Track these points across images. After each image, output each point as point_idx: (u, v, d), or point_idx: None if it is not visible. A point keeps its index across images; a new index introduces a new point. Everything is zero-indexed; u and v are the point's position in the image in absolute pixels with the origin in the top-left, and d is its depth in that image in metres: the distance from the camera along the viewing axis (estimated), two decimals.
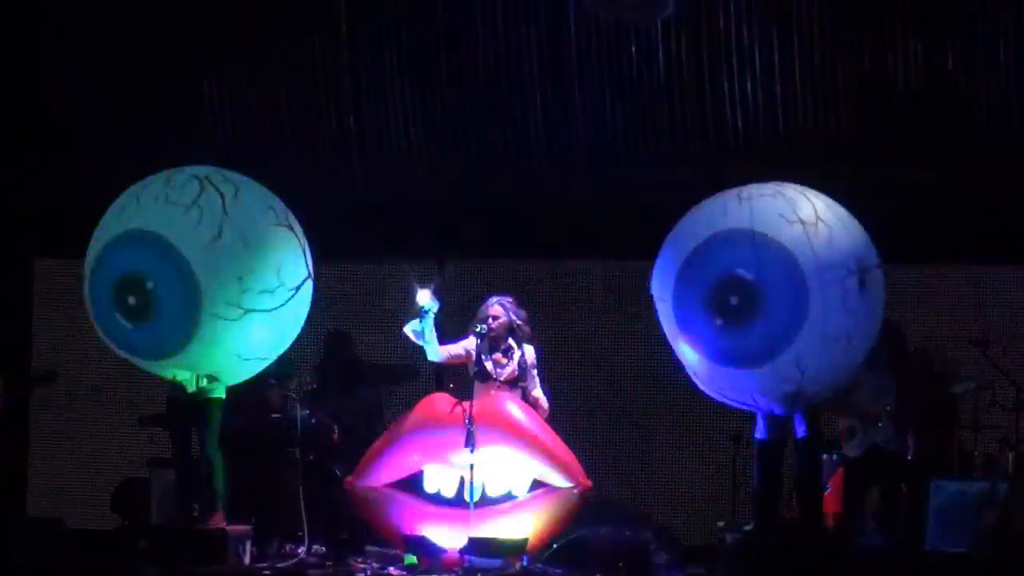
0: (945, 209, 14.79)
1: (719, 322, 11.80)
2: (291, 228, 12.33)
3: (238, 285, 12.05)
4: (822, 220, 11.91)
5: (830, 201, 12.07)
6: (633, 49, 14.80)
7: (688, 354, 12.15)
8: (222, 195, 12.24)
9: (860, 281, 11.87)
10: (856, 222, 12.06)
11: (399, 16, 14.99)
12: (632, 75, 14.93)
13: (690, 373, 12.22)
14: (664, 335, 12.41)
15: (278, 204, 12.38)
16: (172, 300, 11.98)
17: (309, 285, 12.33)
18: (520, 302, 13.12)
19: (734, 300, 11.74)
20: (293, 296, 12.38)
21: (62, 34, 15.20)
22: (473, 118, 15.17)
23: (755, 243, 11.86)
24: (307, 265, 12.39)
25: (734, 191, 12.25)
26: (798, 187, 12.20)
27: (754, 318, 11.70)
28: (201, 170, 12.56)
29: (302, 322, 12.49)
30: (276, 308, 12.26)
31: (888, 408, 12.83)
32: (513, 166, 15.17)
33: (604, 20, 14.54)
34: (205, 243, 12.05)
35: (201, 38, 15.07)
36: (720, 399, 12.28)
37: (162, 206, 12.22)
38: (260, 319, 12.22)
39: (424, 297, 12.79)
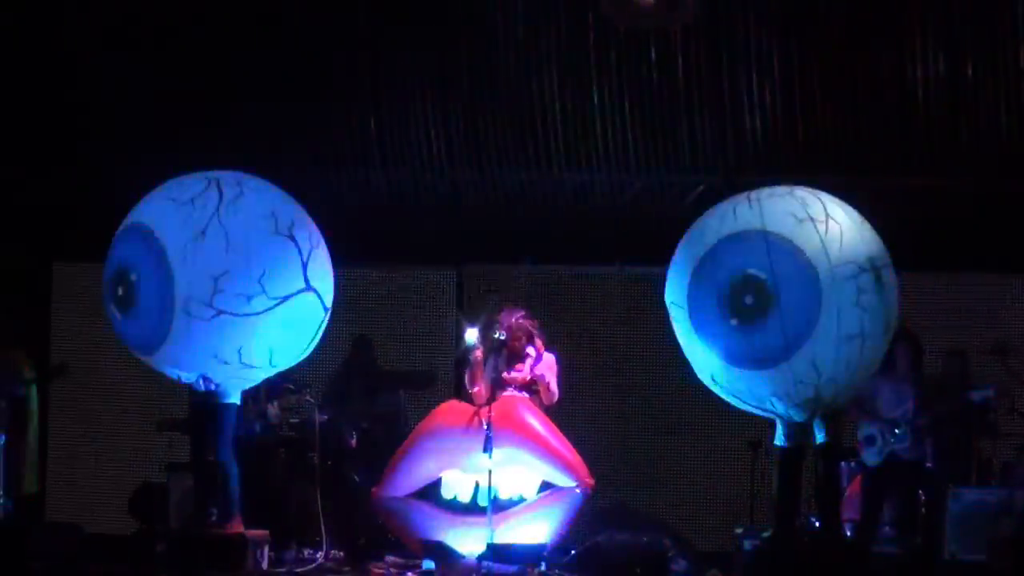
0: (964, 218, 14.77)
1: (734, 322, 11.73)
2: (292, 238, 12.18)
3: (212, 285, 11.99)
4: (832, 218, 11.88)
5: (840, 201, 12.03)
6: (652, 56, 14.76)
7: (704, 359, 12.08)
8: (221, 195, 12.18)
9: (876, 277, 11.76)
10: (867, 222, 12.01)
11: (420, 25, 14.96)
12: (652, 82, 14.88)
13: (708, 381, 12.16)
14: (679, 342, 12.35)
15: (287, 212, 12.26)
16: (149, 294, 12.01)
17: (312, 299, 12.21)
18: (532, 311, 13.18)
19: (748, 300, 11.67)
20: (279, 304, 12.26)
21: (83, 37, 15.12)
22: (493, 125, 15.11)
23: (768, 243, 11.82)
24: (305, 277, 12.24)
25: (743, 194, 12.24)
26: (808, 189, 12.21)
27: (769, 317, 11.63)
28: (224, 173, 12.48)
29: (305, 332, 12.38)
30: (253, 315, 12.13)
31: (908, 416, 12.76)
32: (533, 173, 15.16)
33: (622, 28, 14.46)
34: (186, 240, 12.03)
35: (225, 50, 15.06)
36: (739, 405, 12.18)
37: (164, 202, 12.24)
38: (233, 323, 12.11)
39: (472, 336, 12.82)
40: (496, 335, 12.87)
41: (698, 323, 11.99)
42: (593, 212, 15.31)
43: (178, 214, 12.18)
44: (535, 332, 12.95)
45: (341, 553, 12.99)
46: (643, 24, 14.30)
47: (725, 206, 12.24)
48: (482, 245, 15.13)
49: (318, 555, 12.87)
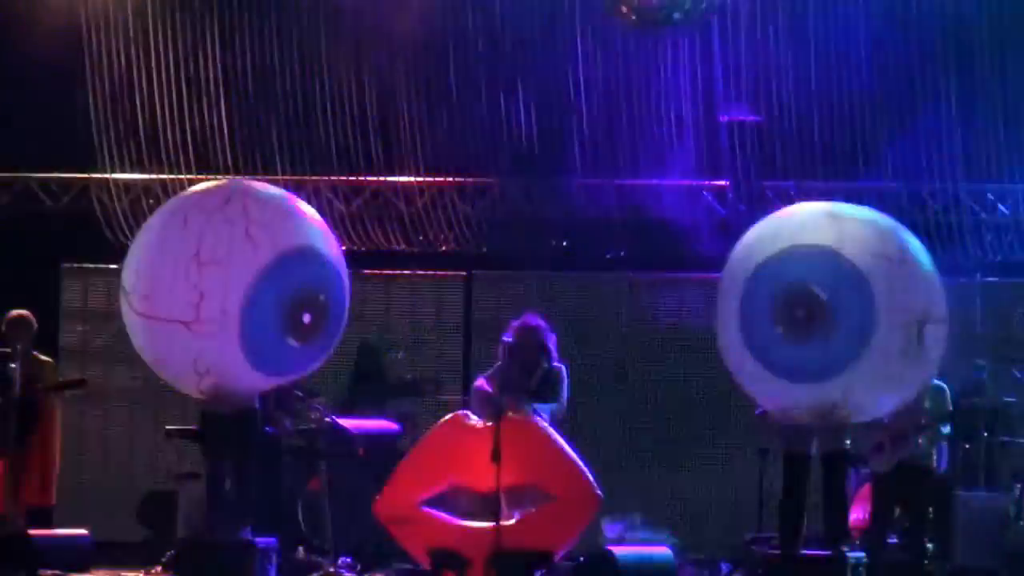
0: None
1: (780, 330, 11.68)
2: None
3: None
4: (907, 261, 11.82)
5: (919, 245, 11.99)
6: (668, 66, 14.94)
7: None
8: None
9: (919, 334, 11.65)
10: (935, 271, 11.96)
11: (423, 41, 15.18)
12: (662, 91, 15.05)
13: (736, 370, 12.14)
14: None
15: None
16: None
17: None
18: (547, 320, 13.05)
19: (800, 312, 11.60)
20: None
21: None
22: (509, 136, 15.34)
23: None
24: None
25: (827, 206, 12.27)
26: (891, 220, 12.17)
27: (815, 336, 11.60)
28: (251, 186, 12.58)
29: None
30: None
31: (919, 424, 12.63)
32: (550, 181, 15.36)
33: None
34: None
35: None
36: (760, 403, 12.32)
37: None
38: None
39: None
40: (506, 339, 12.68)
41: (746, 315, 11.95)
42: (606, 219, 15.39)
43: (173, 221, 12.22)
44: (548, 343, 12.84)
45: (349, 559, 12.96)
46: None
47: (803, 212, 12.30)
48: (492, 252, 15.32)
49: (326, 563, 12.81)
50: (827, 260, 11.71)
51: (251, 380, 12.25)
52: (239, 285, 11.90)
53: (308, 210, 12.59)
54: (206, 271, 11.86)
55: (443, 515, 12.50)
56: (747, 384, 12.11)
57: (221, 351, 11.95)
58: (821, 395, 11.78)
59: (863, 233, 11.86)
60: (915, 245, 12.00)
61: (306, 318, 12.04)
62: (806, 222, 12.04)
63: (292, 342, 12.05)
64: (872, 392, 11.86)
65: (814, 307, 11.65)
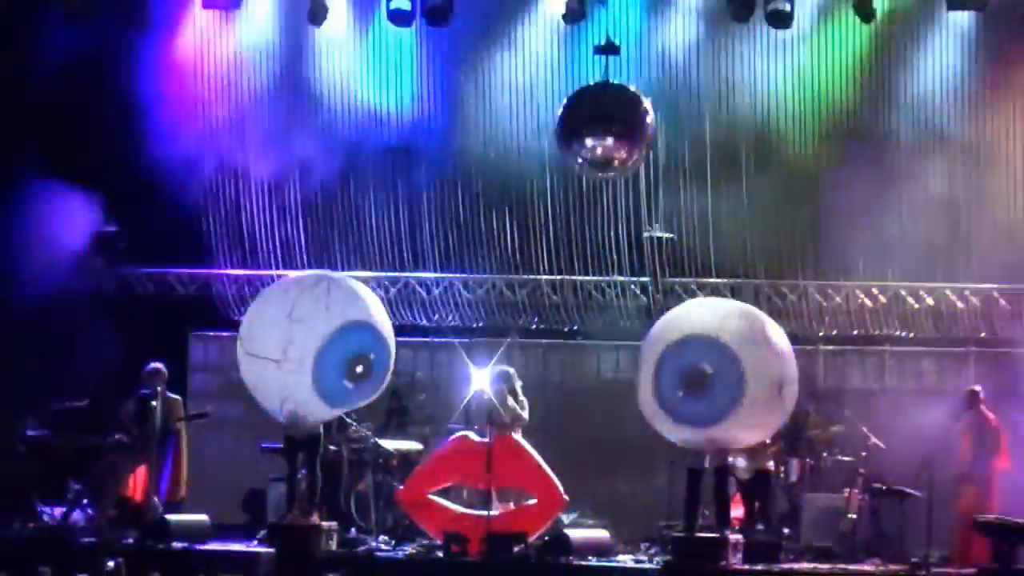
0: None
1: (680, 393, 12.13)
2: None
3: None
4: (767, 342, 12.06)
5: (777, 327, 12.23)
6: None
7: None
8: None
9: (779, 392, 12.00)
10: (788, 345, 12.16)
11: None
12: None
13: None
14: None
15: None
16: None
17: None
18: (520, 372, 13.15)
19: (694, 381, 12.04)
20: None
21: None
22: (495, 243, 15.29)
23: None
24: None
25: (713, 302, 12.76)
26: (757, 310, 12.47)
27: (704, 397, 12.01)
28: (333, 276, 12.85)
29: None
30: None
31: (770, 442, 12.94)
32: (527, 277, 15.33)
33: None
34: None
35: None
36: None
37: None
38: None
39: (479, 380, 12.83)
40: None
41: (658, 387, 12.15)
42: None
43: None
44: (516, 385, 12.92)
45: (386, 537, 13.03)
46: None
47: (690, 310, 12.43)
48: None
49: (370, 540, 12.96)
50: (711, 345, 12.10)
51: (317, 408, 12.50)
52: (316, 340, 12.28)
53: (370, 295, 12.76)
54: (295, 327, 12.34)
55: (449, 504, 12.76)
56: (658, 427, 12.43)
57: (298, 385, 12.34)
58: (708, 435, 12.15)
59: (737, 324, 12.17)
60: (773, 329, 12.27)
61: (359, 369, 12.40)
62: (694, 319, 12.34)
63: (348, 385, 12.45)
64: (745, 432, 12.30)
65: (703, 378, 12.08)
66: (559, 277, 15.36)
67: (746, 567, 12.11)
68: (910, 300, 14.85)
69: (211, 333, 15.35)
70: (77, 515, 12.98)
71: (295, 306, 12.37)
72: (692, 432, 12.21)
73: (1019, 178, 14.44)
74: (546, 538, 12.62)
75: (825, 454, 13.68)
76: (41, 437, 13.40)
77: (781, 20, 14.07)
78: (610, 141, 13.63)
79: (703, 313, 12.43)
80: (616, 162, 13.84)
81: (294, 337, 12.29)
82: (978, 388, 13.23)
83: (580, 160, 13.96)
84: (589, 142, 13.70)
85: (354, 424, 13.38)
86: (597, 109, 13.71)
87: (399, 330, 13.96)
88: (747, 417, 12.08)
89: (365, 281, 14.22)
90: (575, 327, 15.37)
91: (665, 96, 14.60)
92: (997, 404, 13.24)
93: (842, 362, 14.91)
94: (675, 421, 12.23)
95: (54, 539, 12.45)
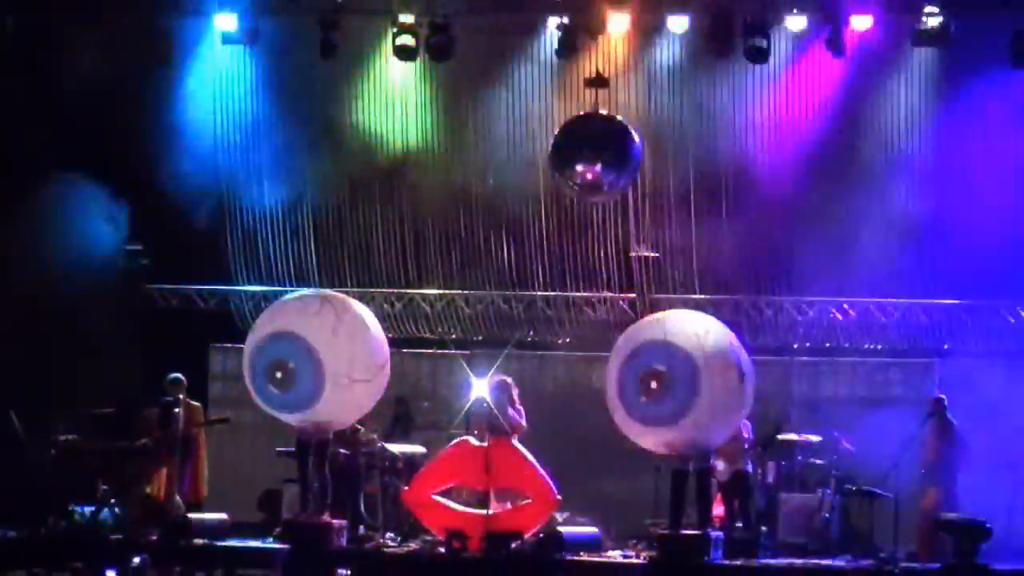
0: None
1: (643, 400, 12.17)
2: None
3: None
4: (717, 338, 12.16)
5: (726, 329, 12.36)
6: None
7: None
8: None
9: (740, 383, 12.10)
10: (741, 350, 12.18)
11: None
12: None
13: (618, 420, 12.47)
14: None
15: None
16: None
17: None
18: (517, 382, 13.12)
19: (654, 384, 12.15)
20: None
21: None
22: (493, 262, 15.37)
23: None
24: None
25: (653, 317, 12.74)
26: (723, 325, 12.44)
27: (666, 396, 12.07)
28: (335, 295, 12.75)
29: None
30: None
31: (742, 449, 13.09)
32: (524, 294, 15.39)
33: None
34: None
35: None
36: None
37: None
38: None
39: (479, 389, 12.76)
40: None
41: (621, 394, 12.14)
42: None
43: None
44: (514, 394, 12.90)
45: (392, 534, 13.07)
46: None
47: (642, 324, 12.50)
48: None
49: (378, 536, 13.02)
50: (660, 348, 12.05)
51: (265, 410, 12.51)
52: (249, 348, 12.40)
53: (307, 310, 12.40)
54: (250, 337, 12.45)
55: (451, 504, 12.77)
56: (625, 430, 12.36)
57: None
58: (675, 433, 12.06)
59: (682, 327, 12.17)
60: (719, 327, 12.22)
61: (278, 375, 12.22)
62: (643, 331, 12.30)
63: (272, 389, 12.23)
64: (710, 426, 12.12)
65: (659, 377, 12.00)
66: (552, 293, 15.46)
67: (726, 563, 12.21)
68: (878, 314, 14.99)
69: (229, 345, 15.22)
70: (106, 514, 13.11)
71: (259, 322, 12.74)
72: (660, 433, 12.18)
73: (977, 200, 14.48)
74: (540, 535, 12.66)
75: (800, 457, 13.80)
76: (72, 442, 13.47)
77: (759, 56, 14.29)
78: (599, 168, 13.78)
79: (651, 324, 12.46)
80: (605, 187, 13.99)
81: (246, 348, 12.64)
82: (942, 396, 13.29)
83: (572, 185, 14.07)
84: (580, 168, 13.83)
85: (362, 430, 13.41)
86: (587, 138, 13.85)
87: (405, 342, 14.43)
88: (708, 409, 12.01)
89: (371, 297, 14.41)
90: (567, 339, 15.48)
91: (651, 125, 14.78)
92: (957, 411, 13.29)
93: (815, 372, 15.03)
94: (643, 424, 12.23)
95: (85, 536, 12.60)
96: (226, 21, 14.68)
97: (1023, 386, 13.79)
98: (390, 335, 13.41)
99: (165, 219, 15.01)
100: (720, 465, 12.99)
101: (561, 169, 14.03)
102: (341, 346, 12.32)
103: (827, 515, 13.25)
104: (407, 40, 14.51)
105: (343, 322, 12.41)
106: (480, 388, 12.84)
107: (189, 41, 14.84)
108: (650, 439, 12.51)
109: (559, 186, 14.45)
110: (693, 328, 12.31)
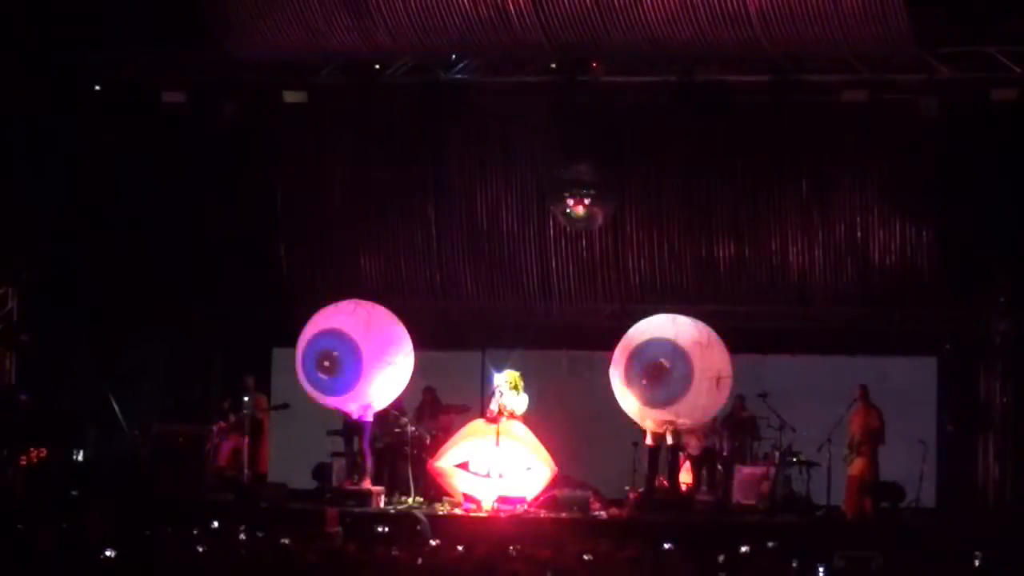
0: None
1: (644, 382, 12.40)
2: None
3: None
4: (710, 344, 12.44)
5: (719, 339, 12.53)
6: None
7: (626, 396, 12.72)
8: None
9: (717, 382, 12.43)
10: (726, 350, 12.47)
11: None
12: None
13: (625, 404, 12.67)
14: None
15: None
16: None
17: None
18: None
19: (654, 373, 12.33)
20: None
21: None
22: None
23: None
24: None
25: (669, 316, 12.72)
26: (701, 323, 12.60)
27: (663, 385, 12.33)
28: (365, 303, 12.97)
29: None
30: None
31: (713, 423, 13.28)
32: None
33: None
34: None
35: None
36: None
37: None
38: None
39: (498, 379, 12.82)
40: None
41: (628, 378, 12.39)
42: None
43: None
44: (519, 384, 13.05)
45: (420, 499, 13.08)
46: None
47: (651, 319, 12.63)
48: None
49: (408, 500, 13.05)
50: (668, 345, 12.43)
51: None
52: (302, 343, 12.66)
53: (354, 312, 12.70)
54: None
55: (468, 473, 12.88)
56: (627, 410, 12.77)
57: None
58: (665, 414, 12.54)
59: (688, 331, 12.48)
60: (715, 337, 12.49)
61: (326, 363, 12.37)
62: (654, 326, 12.70)
63: (322, 376, 12.38)
64: (693, 412, 12.61)
65: (663, 370, 12.44)
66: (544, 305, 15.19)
67: (691, 520, 12.47)
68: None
69: (289, 349, 13.92)
70: (187, 484, 13.32)
71: (308, 324, 12.87)
72: (652, 411, 12.43)
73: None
74: (541, 499, 12.93)
75: (752, 435, 13.86)
76: (165, 427, 13.64)
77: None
78: (587, 201, 13.77)
79: (664, 322, 12.66)
80: (591, 217, 13.97)
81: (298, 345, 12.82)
82: (866, 384, 13.32)
83: (564, 212, 14.07)
84: (571, 202, 13.87)
85: (395, 414, 13.49)
86: (576, 173, 13.84)
87: (433, 344, 14.00)
88: (693, 400, 12.38)
89: (401, 308, 13.92)
90: (565, 340, 15.09)
91: (629, 164, 14.63)
92: (876, 397, 13.30)
93: (765, 366, 14.67)
94: (641, 403, 12.53)
95: (170, 503, 12.71)
96: None
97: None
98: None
99: (238, 244, 14.96)
100: (693, 441, 13.19)
101: (555, 201, 14.02)
102: (374, 337, 12.65)
103: (771, 481, 13.37)
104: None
105: (373, 318, 12.78)
106: (495, 380, 12.96)
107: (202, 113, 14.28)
108: (642, 416, 12.67)
109: (553, 215, 14.36)
110: (699, 335, 12.49)
